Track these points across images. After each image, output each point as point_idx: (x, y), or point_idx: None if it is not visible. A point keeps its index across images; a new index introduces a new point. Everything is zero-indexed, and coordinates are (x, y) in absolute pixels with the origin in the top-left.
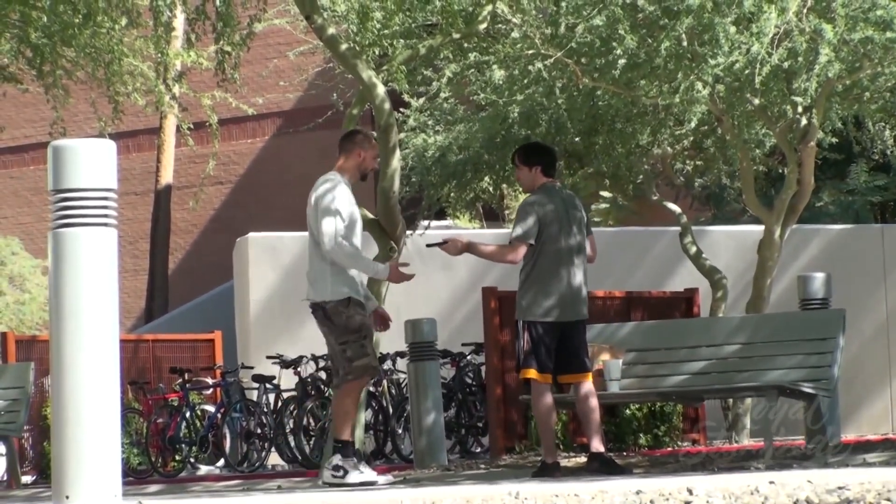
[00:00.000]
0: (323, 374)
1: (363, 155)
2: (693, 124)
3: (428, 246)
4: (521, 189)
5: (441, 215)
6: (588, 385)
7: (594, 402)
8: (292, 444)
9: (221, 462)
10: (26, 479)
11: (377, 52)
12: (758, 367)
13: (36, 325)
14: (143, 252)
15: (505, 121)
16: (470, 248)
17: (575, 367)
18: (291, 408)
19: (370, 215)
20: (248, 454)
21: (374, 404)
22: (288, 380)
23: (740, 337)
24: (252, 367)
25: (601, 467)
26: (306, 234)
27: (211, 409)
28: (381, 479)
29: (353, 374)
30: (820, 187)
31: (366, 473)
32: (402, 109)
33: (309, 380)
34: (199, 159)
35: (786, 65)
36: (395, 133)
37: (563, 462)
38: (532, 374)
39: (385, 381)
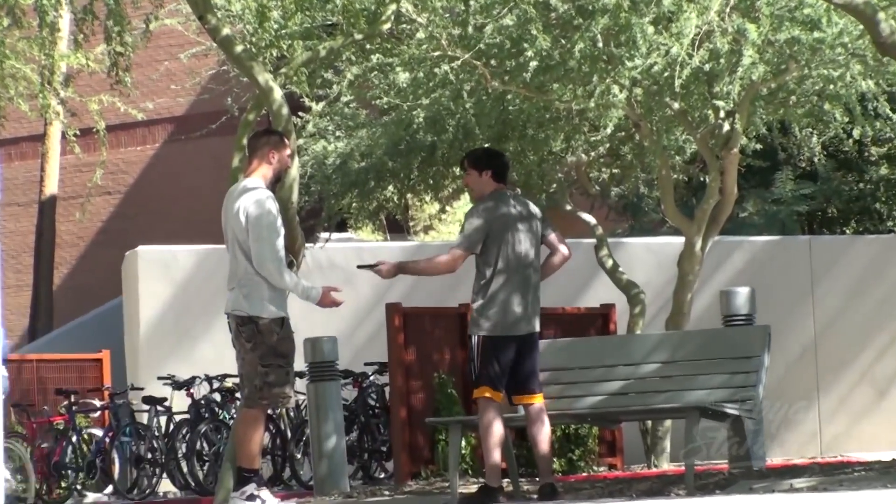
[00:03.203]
0: (217, 396)
1: (276, 155)
2: (609, 130)
3: (359, 267)
4: (448, 196)
5: (342, 227)
6: (538, 407)
7: (544, 427)
8: (185, 469)
9: (110, 489)
10: None
11: (275, 55)
12: (678, 387)
13: None
14: (26, 266)
15: (409, 126)
16: (402, 267)
17: (526, 388)
18: (184, 431)
19: None
20: (139, 480)
21: (271, 427)
22: (180, 402)
23: (659, 355)
24: (142, 389)
25: (553, 495)
26: (199, 247)
27: (99, 432)
28: None
29: (268, 399)
30: (743, 196)
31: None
32: (300, 114)
33: (202, 402)
34: (85, 168)
35: (707, 67)
36: (294, 140)
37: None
38: (487, 392)
39: None
